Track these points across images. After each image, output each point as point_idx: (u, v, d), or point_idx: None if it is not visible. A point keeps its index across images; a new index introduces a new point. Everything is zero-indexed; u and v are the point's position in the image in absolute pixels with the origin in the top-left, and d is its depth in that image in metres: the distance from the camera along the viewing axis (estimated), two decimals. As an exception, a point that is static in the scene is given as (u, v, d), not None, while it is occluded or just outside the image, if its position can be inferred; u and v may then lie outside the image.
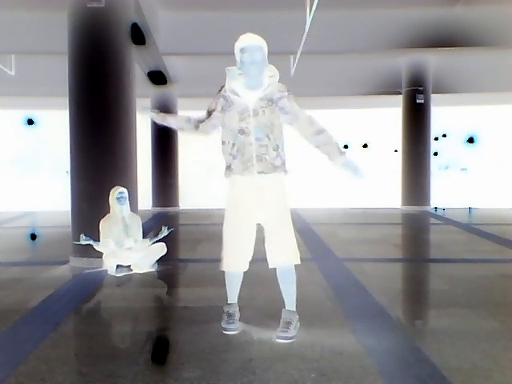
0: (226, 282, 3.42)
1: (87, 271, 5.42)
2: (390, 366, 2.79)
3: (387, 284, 4.85)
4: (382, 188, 14.86)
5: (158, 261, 5.50)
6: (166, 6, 9.55)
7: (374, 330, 3.38)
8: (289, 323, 3.23)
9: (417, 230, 9.85)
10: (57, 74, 8.83)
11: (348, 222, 10.40)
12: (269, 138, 3.17)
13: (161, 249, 5.51)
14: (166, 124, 3.48)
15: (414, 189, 12.79)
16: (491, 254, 6.47)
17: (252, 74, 3.17)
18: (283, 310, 3.32)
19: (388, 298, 4.23)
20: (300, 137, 3.32)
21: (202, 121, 3.35)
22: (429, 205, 12.77)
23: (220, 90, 3.29)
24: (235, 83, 3.24)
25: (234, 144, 3.21)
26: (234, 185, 3.29)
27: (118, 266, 5.23)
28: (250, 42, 3.15)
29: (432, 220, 10.98)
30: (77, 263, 5.70)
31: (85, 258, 5.62)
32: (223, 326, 3.33)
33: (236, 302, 3.45)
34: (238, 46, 3.19)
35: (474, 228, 9.09)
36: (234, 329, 3.30)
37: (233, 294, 3.44)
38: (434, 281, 5.30)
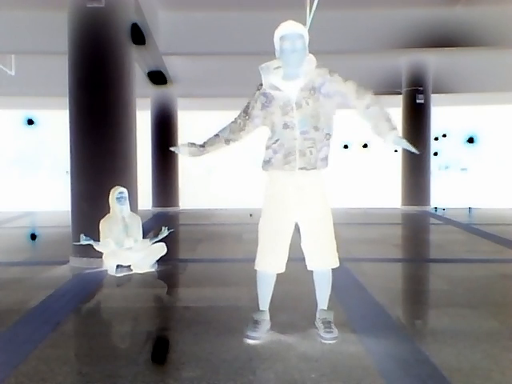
0: (258, 284, 3.27)
1: (87, 271, 5.42)
2: (390, 366, 2.79)
3: (387, 284, 4.85)
4: (382, 188, 14.86)
5: (158, 261, 5.50)
6: (166, 6, 9.56)
7: (374, 329, 3.38)
8: (330, 322, 3.21)
9: (417, 230, 9.86)
10: (57, 74, 8.82)
11: (348, 221, 10.39)
12: (316, 129, 3.05)
13: (161, 249, 5.51)
14: (205, 153, 3.33)
15: (414, 189, 12.80)
16: (491, 254, 6.47)
17: (292, 63, 3.04)
18: (319, 309, 3.30)
19: (388, 297, 4.23)
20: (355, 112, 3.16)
21: (240, 124, 3.22)
22: (429, 205, 12.77)
23: (258, 89, 3.17)
24: (273, 77, 3.11)
25: (277, 140, 3.09)
26: (273, 182, 3.18)
27: (118, 266, 5.23)
28: (291, 30, 3.02)
29: (432, 220, 10.98)
30: (77, 263, 5.70)
31: (85, 258, 5.62)
32: (246, 332, 3.17)
33: (266, 309, 3.30)
34: (277, 33, 3.05)
35: (474, 228, 9.09)
36: (255, 337, 3.13)
37: (264, 299, 3.28)
38: (434, 281, 5.30)
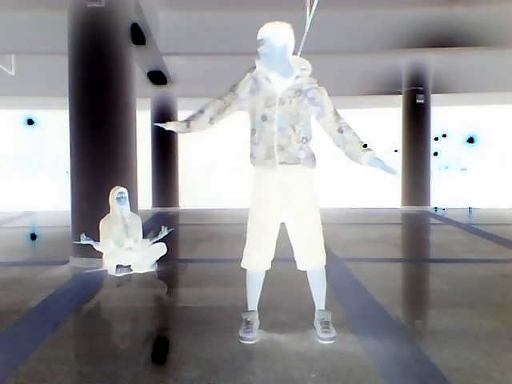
0: (247, 284, 3.29)
1: (87, 271, 5.42)
2: (389, 365, 2.79)
3: (387, 284, 4.85)
4: (381, 188, 14.86)
5: (157, 261, 5.50)
6: (166, 6, 9.55)
7: (374, 329, 3.38)
8: (327, 323, 3.21)
9: (417, 229, 9.85)
10: (57, 74, 8.83)
11: (348, 221, 10.40)
12: (293, 129, 3.08)
13: (161, 249, 5.50)
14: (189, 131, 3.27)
15: (414, 189, 12.80)
16: (491, 254, 6.47)
17: (264, 66, 3.11)
18: (317, 310, 3.30)
19: (388, 298, 4.23)
20: (325, 134, 3.21)
21: (226, 101, 3.18)
22: (429, 205, 12.76)
23: (250, 71, 3.19)
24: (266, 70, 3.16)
25: (255, 130, 3.13)
26: (258, 180, 3.20)
27: (118, 266, 5.23)
28: (261, 35, 3.10)
29: (432, 220, 10.98)
30: (77, 263, 5.70)
31: (85, 258, 5.62)
32: (240, 334, 3.17)
33: (256, 309, 3.31)
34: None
35: (474, 228, 9.08)
36: (251, 338, 3.13)
37: (253, 298, 3.29)
38: (434, 281, 5.30)
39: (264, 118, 3.09)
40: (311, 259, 3.21)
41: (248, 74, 3.19)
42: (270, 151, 3.09)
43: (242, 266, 3.26)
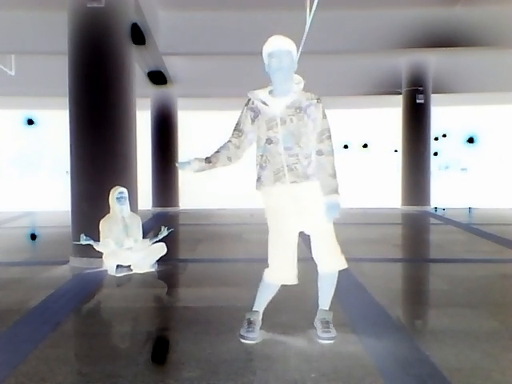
0: (260, 289, 3.27)
1: (87, 271, 5.42)
2: (389, 365, 2.79)
3: (387, 284, 4.85)
4: (382, 188, 14.86)
5: (157, 261, 5.50)
6: (166, 6, 9.56)
7: (374, 329, 3.38)
8: (328, 322, 3.22)
9: (417, 229, 9.85)
10: (57, 74, 8.83)
11: (348, 222, 10.39)
12: (299, 147, 3.06)
13: (161, 249, 5.50)
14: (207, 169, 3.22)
15: (414, 189, 12.80)
16: (491, 254, 6.47)
17: (278, 80, 3.08)
18: (319, 309, 3.30)
19: (388, 297, 4.23)
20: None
21: (235, 143, 3.20)
22: (429, 205, 12.77)
23: (246, 104, 3.19)
24: (261, 92, 3.14)
25: (262, 155, 3.12)
26: (268, 195, 3.17)
27: (118, 266, 5.23)
28: (278, 46, 3.04)
29: (432, 220, 10.98)
30: (77, 263, 5.70)
31: (85, 258, 5.62)
32: (242, 333, 3.17)
33: (261, 311, 3.29)
34: (265, 49, 3.07)
35: (473, 228, 9.08)
36: (252, 338, 3.13)
37: (261, 303, 3.27)
38: (434, 281, 5.30)
39: (269, 141, 3.08)
40: (328, 263, 3.21)
41: (245, 108, 3.19)
42: (280, 172, 3.08)
43: (268, 281, 3.20)
